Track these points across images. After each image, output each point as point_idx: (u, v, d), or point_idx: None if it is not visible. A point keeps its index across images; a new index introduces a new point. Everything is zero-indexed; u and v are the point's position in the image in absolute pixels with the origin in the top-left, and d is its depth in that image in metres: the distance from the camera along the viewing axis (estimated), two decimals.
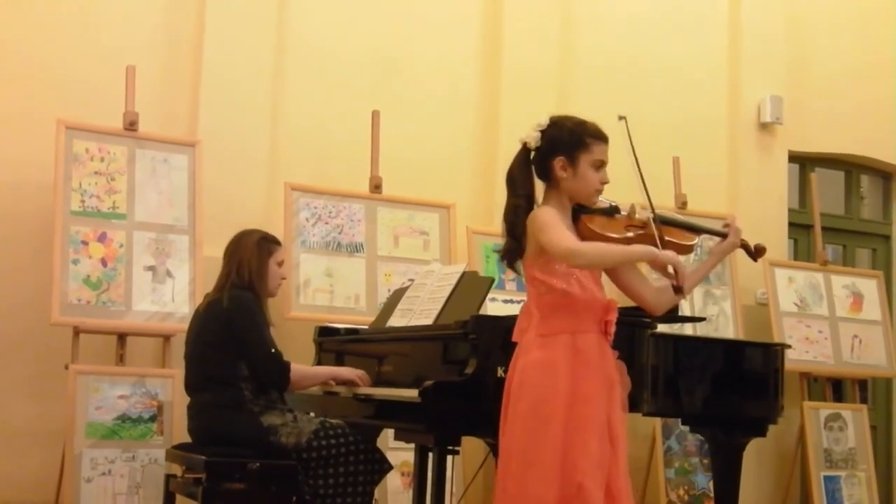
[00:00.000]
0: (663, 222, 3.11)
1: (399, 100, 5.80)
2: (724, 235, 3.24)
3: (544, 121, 3.03)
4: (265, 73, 5.48)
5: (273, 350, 3.83)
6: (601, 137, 3.02)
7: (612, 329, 2.91)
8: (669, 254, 2.89)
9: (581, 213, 3.02)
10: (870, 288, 6.75)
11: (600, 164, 3.00)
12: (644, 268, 3.39)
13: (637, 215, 3.07)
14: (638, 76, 6.54)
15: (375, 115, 5.46)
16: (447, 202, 5.61)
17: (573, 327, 2.86)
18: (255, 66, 5.44)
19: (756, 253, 3.30)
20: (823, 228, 6.74)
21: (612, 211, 3.08)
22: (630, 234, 3.01)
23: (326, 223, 5.28)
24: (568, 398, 2.81)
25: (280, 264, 4.05)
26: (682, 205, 6.25)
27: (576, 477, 2.76)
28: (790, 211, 7.04)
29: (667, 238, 3.07)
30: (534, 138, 3.00)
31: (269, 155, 5.46)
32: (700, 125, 6.74)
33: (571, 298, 2.87)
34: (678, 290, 2.92)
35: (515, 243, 2.96)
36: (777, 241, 6.83)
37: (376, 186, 5.44)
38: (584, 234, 2.96)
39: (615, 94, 6.42)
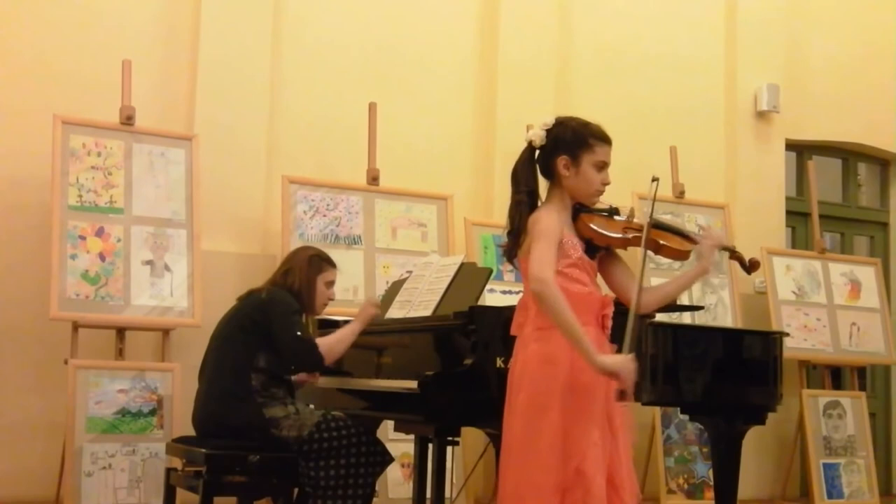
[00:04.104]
0: (661, 228, 3.15)
1: (396, 92, 5.80)
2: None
3: (550, 120, 3.08)
4: (262, 66, 5.47)
5: (298, 333, 3.83)
6: (604, 139, 3.06)
7: (609, 323, 2.94)
8: (611, 363, 2.81)
9: (581, 212, 3.06)
10: (867, 275, 6.76)
11: (602, 165, 3.04)
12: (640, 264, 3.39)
13: (636, 219, 3.10)
14: (635, 66, 6.54)
15: (373, 108, 5.46)
16: (445, 193, 5.61)
17: None
18: (252, 60, 5.43)
19: (750, 266, 3.31)
20: (821, 216, 6.74)
21: (611, 212, 3.12)
22: (628, 236, 3.05)
23: (324, 216, 5.28)
24: (566, 389, 2.84)
25: (329, 285, 4.09)
26: (680, 194, 6.25)
27: (574, 463, 2.78)
28: (788, 199, 7.05)
29: (663, 243, 3.10)
30: (539, 137, 3.05)
31: (266, 148, 5.46)
32: (697, 114, 6.75)
33: (567, 294, 2.88)
34: (620, 396, 2.84)
35: (515, 239, 3.00)
36: (775, 230, 6.85)
37: (374, 178, 5.43)
38: (583, 232, 3.00)
39: (612, 84, 6.43)
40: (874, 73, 7.35)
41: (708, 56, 6.85)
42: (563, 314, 2.81)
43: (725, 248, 3.32)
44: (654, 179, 3.02)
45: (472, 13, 6.20)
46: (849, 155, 7.58)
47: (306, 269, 4.01)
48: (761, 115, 6.88)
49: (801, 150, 7.28)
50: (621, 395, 2.83)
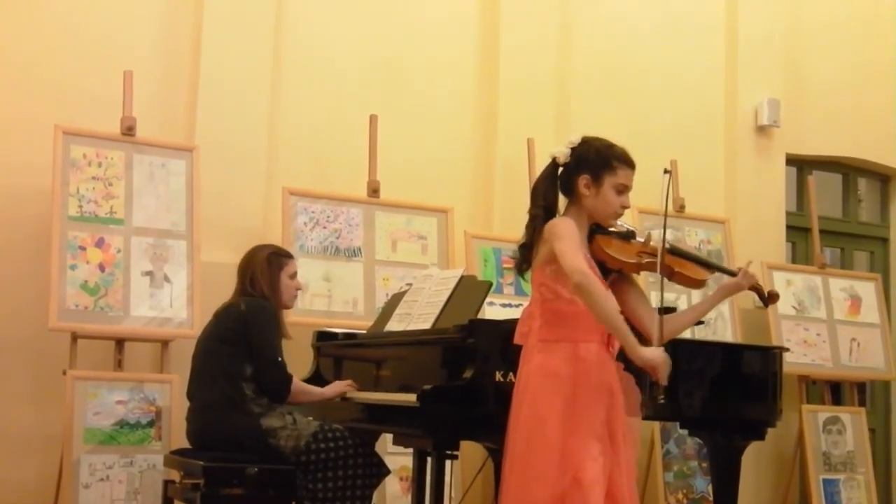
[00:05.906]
0: (678, 254, 3.15)
1: (397, 104, 5.80)
2: (733, 275, 3.26)
3: (576, 138, 3.10)
4: (263, 77, 5.48)
5: (280, 358, 3.87)
6: (628, 163, 3.07)
7: (617, 344, 2.93)
8: (650, 355, 2.84)
9: (597, 234, 3.05)
10: (868, 291, 6.75)
11: (623, 189, 3.05)
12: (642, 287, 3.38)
13: (652, 242, 3.09)
14: (635, 80, 6.54)
15: (373, 120, 5.46)
16: (445, 206, 5.61)
17: (575, 336, 2.88)
18: (253, 71, 5.43)
19: (769, 298, 3.31)
20: (821, 231, 6.74)
21: (628, 235, 3.11)
22: (643, 261, 3.05)
23: (324, 228, 5.28)
24: (566, 402, 2.85)
25: (292, 277, 4.12)
26: (681, 208, 6.25)
27: (571, 472, 2.78)
28: (788, 214, 7.04)
29: (677, 270, 3.11)
30: (563, 154, 3.07)
31: (266, 159, 5.46)
32: (698, 128, 6.75)
33: (577, 307, 2.89)
34: (654, 389, 2.86)
35: (527, 252, 3.00)
36: (775, 245, 6.84)
37: (374, 191, 5.43)
38: (597, 255, 3.01)
39: (613, 99, 6.43)
40: (875, 87, 7.35)
41: (708, 71, 6.86)
42: (605, 304, 2.83)
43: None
44: (667, 171, 3.02)
45: (473, 27, 6.20)
46: (849, 170, 7.58)
47: (268, 270, 4.04)
48: (762, 130, 6.89)
49: (801, 165, 7.28)
50: (653, 388, 2.84)
